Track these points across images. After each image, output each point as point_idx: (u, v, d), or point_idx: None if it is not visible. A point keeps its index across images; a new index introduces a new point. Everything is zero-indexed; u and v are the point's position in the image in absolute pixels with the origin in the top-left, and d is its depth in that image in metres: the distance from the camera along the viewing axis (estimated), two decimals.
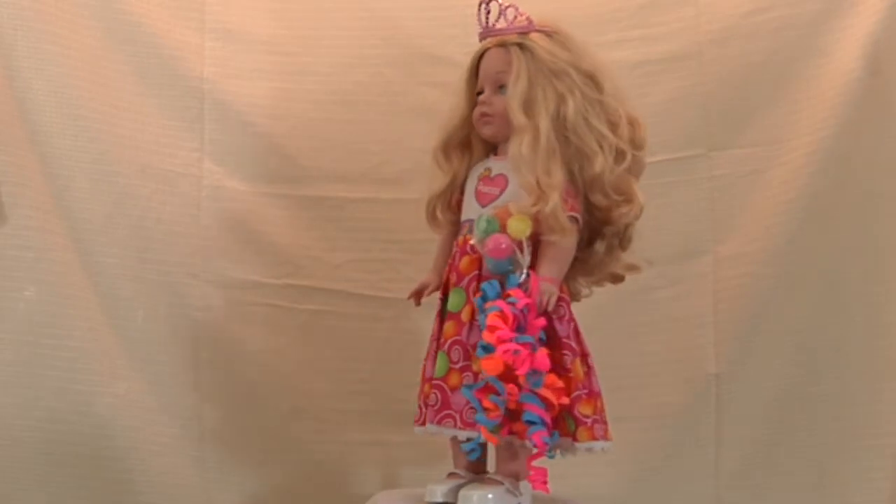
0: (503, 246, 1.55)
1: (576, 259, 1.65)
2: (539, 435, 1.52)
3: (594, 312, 2.13)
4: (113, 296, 2.05)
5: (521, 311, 1.53)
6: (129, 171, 2.09)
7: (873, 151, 2.09)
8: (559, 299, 1.60)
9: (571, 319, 1.63)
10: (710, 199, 2.16)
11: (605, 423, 1.62)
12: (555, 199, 1.56)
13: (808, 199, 2.10)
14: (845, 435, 2.11)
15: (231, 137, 2.17)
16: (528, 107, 1.60)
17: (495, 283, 1.56)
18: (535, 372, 1.51)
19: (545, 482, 1.54)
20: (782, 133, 2.13)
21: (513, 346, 1.50)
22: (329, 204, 2.19)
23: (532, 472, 1.55)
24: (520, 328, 1.52)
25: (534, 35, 1.64)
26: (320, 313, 2.15)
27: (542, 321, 1.55)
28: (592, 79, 1.62)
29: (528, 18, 1.66)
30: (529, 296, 1.54)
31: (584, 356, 1.63)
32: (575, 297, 1.71)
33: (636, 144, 1.66)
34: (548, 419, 1.53)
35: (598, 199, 1.63)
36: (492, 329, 1.50)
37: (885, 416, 2.09)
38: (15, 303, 1.96)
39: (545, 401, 1.52)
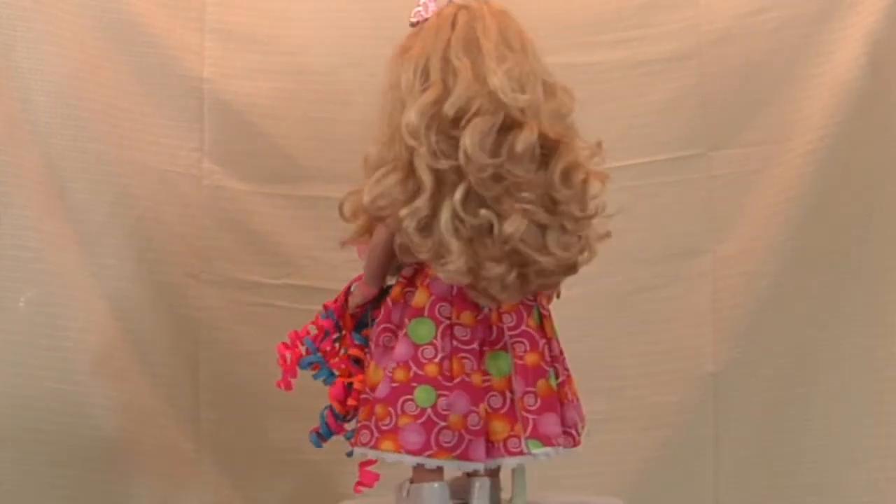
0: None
1: None
2: (311, 432, 1.62)
3: (593, 312, 2.15)
4: (112, 296, 2.05)
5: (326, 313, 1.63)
6: (129, 171, 2.09)
7: (873, 151, 2.08)
8: (380, 303, 1.60)
9: (383, 322, 1.58)
10: (710, 198, 2.16)
11: (380, 431, 1.51)
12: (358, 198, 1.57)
13: (808, 199, 2.09)
14: (844, 435, 2.10)
15: (231, 137, 2.18)
16: None
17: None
18: (322, 371, 1.62)
19: (365, 485, 1.57)
20: (782, 133, 2.13)
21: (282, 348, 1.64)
22: (329, 204, 2.16)
23: (361, 475, 1.58)
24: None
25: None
26: None
27: (320, 323, 1.62)
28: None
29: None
30: (336, 300, 1.64)
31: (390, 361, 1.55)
32: (483, 300, 1.54)
33: (408, 130, 1.50)
34: (328, 418, 1.61)
35: None
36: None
37: (885, 417, 2.09)
38: (14, 303, 1.96)
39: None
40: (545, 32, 2.16)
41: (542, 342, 1.56)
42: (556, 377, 1.56)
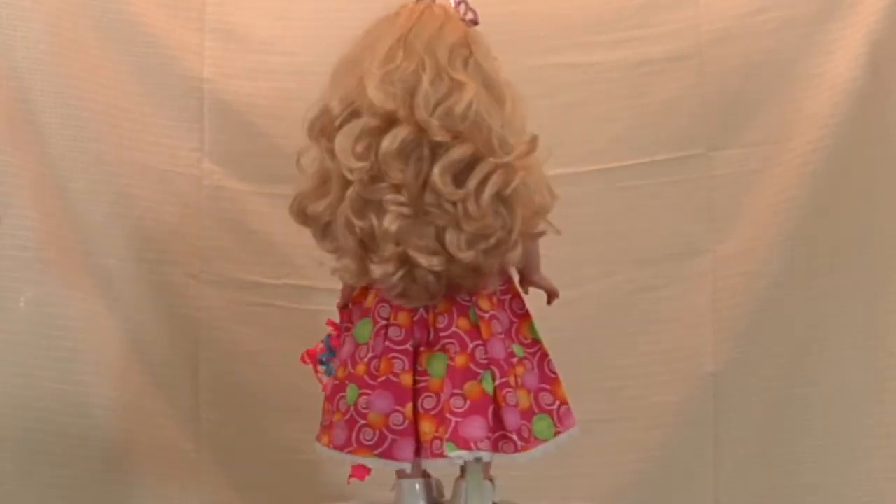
0: None
1: None
2: None
3: (593, 312, 2.15)
4: (112, 296, 2.05)
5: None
6: (129, 171, 2.09)
7: (873, 151, 2.08)
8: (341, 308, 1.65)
9: (344, 321, 1.63)
10: (710, 198, 2.16)
11: (322, 427, 1.58)
12: None
13: (808, 199, 2.09)
14: (844, 435, 2.10)
15: (231, 137, 2.18)
16: None
17: None
18: (331, 367, 1.67)
19: (356, 478, 1.64)
20: (782, 133, 2.13)
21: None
22: None
23: (352, 469, 1.64)
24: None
25: None
26: (319, 313, 2.15)
27: (329, 322, 1.69)
28: None
29: None
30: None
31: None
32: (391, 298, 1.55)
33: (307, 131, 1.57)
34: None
35: None
36: None
37: (884, 417, 2.09)
38: (14, 303, 1.97)
39: None
40: (545, 32, 2.18)
41: (473, 344, 1.53)
42: (493, 380, 1.51)
